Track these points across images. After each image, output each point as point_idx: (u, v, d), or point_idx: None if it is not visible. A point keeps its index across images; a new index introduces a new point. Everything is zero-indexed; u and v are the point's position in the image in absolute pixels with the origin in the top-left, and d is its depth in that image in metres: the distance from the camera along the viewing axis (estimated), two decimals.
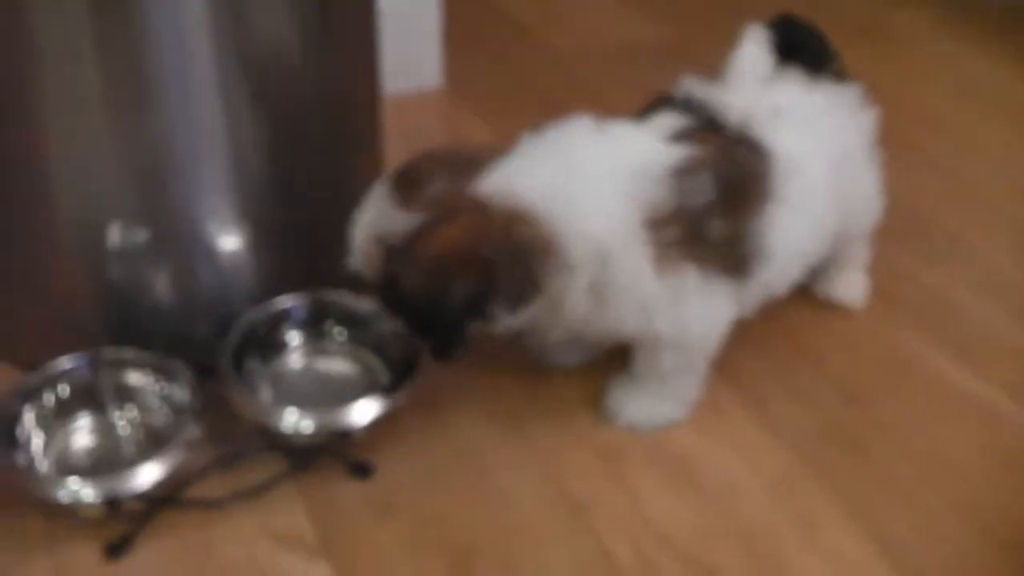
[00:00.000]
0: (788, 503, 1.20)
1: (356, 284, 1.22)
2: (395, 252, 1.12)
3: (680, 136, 1.20)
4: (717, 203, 1.17)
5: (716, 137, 1.21)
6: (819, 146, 1.28)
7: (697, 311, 1.20)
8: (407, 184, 1.14)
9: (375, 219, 1.14)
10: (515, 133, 1.83)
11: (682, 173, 1.16)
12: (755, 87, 1.29)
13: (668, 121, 1.22)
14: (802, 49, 1.32)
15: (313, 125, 1.31)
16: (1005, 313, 1.48)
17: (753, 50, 1.31)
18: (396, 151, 1.48)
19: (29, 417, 1.20)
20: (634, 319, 1.18)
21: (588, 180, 1.14)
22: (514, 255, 1.11)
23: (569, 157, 1.16)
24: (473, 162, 1.15)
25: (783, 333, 1.43)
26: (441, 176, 1.14)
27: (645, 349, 1.25)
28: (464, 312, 1.12)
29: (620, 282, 1.15)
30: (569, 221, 1.12)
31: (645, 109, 1.26)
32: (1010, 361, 1.41)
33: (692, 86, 1.28)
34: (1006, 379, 1.37)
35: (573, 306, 1.16)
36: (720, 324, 1.24)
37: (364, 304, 1.31)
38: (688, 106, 1.24)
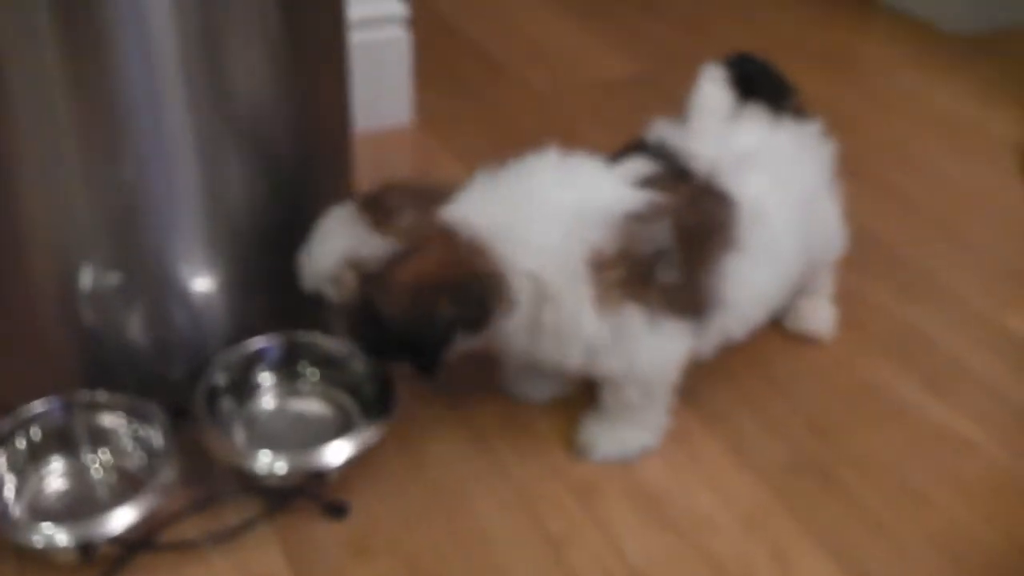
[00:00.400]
0: (761, 536, 1.21)
1: (326, 322, 1.24)
2: (371, 278, 1.15)
3: (647, 182, 1.21)
4: (673, 250, 1.18)
5: (683, 186, 1.22)
6: (785, 192, 1.29)
7: (647, 348, 1.21)
8: (376, 211, 1.17)
9: (348, 244, 1.16)
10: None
11: (636, 218, 1.17)
12: (719, 130, 1.30)
13: (638, 166, 1.23)
14: (759, 84, 1.33)
15: (285, 165, 1.31)
16: (973, 344, 1.50)
17: (711, 89, 1.32)
18: (366, 187, 1.49)
19: (1, 461, 1.19)
20: (578, 355, 1.20)
21: (534, 216, 1.17)
22: (471, 285, 1.14)
23: (522, 193, 1.19)
24: (436, 193, 1.19)
25: (753, 364, 1.44)
26: (408, 205, 1.17)
27: (608, 383, 1.26)
28: (446, 335, 1.16)
29: (559, 319, 1.17)
30: (512, 256, 1.15)
31: (619, 152, 1.27)
32: (979, 392, 1.42)
33: (664, 130, 1.29)
34: (975, 410, 1.38)
35: (513, 339, 1.19)
36: (674, 360, 1.25)
37: (337, 345, 1.32)
38: (659, 153, 1.25)
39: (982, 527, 1.23)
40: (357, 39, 1.42)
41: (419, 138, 1.98)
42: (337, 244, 1.17)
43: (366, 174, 1.51)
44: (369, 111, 1.84)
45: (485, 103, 2.10)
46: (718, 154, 1.25)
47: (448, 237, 1.15)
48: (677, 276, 1.19)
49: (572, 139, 1.94)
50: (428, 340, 1.16)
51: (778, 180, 1.28)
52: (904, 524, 1.23)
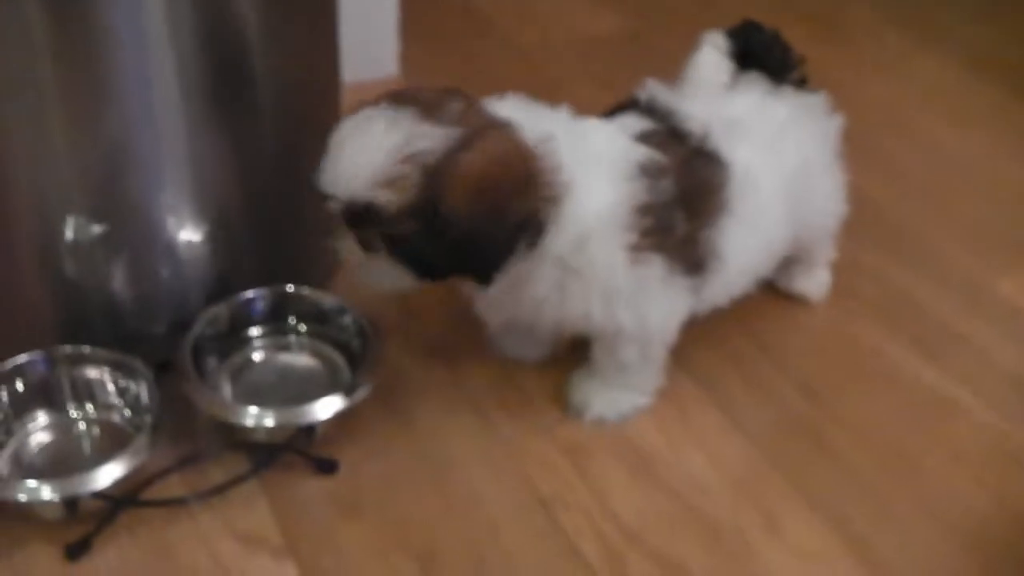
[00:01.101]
0: (752, 497, 1.21)
1: (350, 248, 1.14)
2: (435, 170, 1.03)
3: (643, 139, 1.19)
4: (678, 206, 1.17)
5: (677, 146, 1.20)
6: (775, 161, 1.27)
7: (658, 303, 1.20)
8: (418, 103, 1.07)
9: (399, 138, 1.04)
10: None
11: (650, 171, 1.15)
12: (715, 96, 1.29)
13: (632, 122, 1.21)
14: (764, 56, 1.32)
15: (273, 117, 1.28)
16: (963, 308, 1.50)
17: (712, 57, 1.31)
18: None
19: None
20: (599, 307, 1.17)
21: (590, 157, 1.12)
22: (541, 180, 1.07)
23: (570, 129, 1.14)
24: (461, 96, 1.11)
25: (744, 327, 1.43)
26: (448, 99, 1.09)
27: (604, 343, 1.25)
28: (515, 234, 1.07)
29: (595, 263, 1.13)
30: (574, 186, 1.09)
31: (610, 111, 1.26)
32: (969, 356, 1.42)
33: (655, 90, 1.27)
34: (965, 374, 1.38)
35: (539, 285, 1.14)
36: (677, 317, 1.24)
37: (326, 298, 1.30)
38: (651, 111, 1.23)
39: (972, 491, 1.23)
40: None
41: None
42: (385, 141, 1.04)
43: None
44: (354, 63, 1.81)
45: (471, 59, 2.08)
46: (710, 118, 1.23)
47: (510, 127, 1.08)
48: (686, 228, 1.17)
49: (559, 96, 1.92)
50: (496, 239, 1.06)
51: (769, 148, 1.26)
52: (894, 487, 1.23)
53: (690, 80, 1.31)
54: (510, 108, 1.12)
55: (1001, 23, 2.32)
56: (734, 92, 1.30)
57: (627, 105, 1.27)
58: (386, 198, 1.04)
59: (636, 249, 1.14)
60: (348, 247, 1.12)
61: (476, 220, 1.04)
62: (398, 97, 1.08)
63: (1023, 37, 2.26)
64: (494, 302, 1.19)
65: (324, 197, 1.09)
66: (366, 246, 1.11)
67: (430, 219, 1.05)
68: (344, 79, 1.43)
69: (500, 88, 1.94)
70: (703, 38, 1.31)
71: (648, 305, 1.19)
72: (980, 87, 2.08)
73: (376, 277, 1.13)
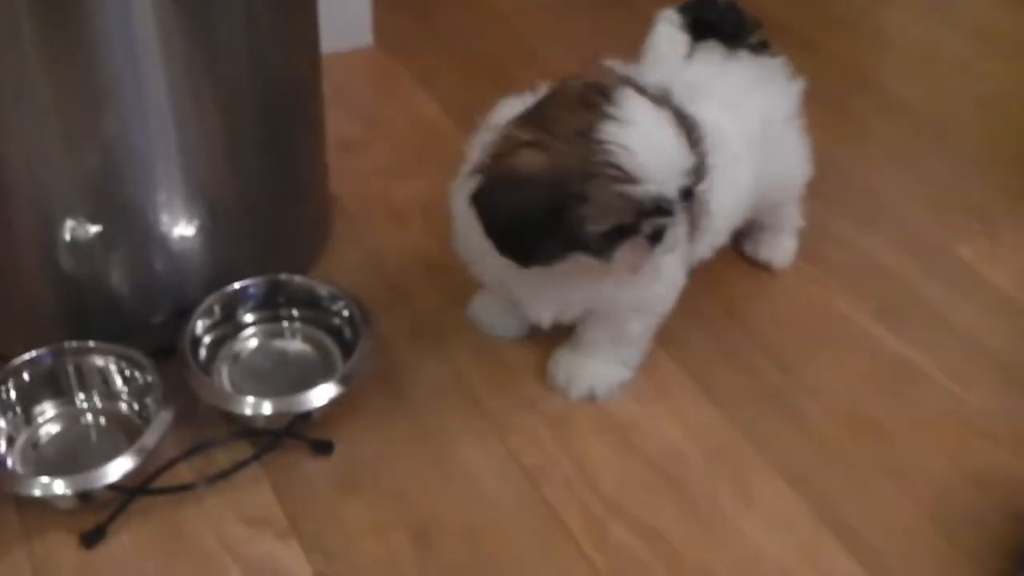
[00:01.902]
0: (725, 466, 1.27)
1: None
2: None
3: None
4: None
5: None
6: (738, 119, 1.31)
7: (668, 274, 1.26)
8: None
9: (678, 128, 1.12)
10: (451, 92, 1.87)
11: None
12: (672, 65, 1.32)
13: None
14: (719, 25, 1.36)
15: (258, 104, 1.32)
16: (926, 273, 1.56)
17: (668, 30, 1.35)
18: (333, 116, 1.52)
19: None
20: (629, 287, 1.22)
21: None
22: None
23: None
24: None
25: (715, 298, 1.49)
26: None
27: (610, 319, 1.30)
28: None
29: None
30: None
31: None
32: (930, 322, 1.48)
33: (612, 66, 1.27)
34: (927, 340, 1.45)
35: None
36: (679, 286, 1.30)
37: (317, 285, 1.36)
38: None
39: (933, 456, 1.30)
40: None
41: (380, 61, 1.99)
42: (671, 130, 1.11)
43: (331, 101, 1.52)
44: (330, 34, 1.83)
45: (445, 24, 2.11)
46: (670, 83, 1.24)
47: None
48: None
49: (533, 60, 1.98)
50: None
51: (730, 107, 1.30)
52: (859, 453, 1.30)
53: (648, 56, 1.35)
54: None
55: None
56: (691, 61, 1.34)
57: None
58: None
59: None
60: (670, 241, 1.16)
61: None
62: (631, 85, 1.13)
63: None
64: (540, 282, 1.23)
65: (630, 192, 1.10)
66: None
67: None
68: (322, 51, 1.46)
69: (475, 54, 2.00)
70: (658, 16, 1.36)
71: (663, 278, 1.25)
72: (947, 43, 2.13)
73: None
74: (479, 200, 1.13)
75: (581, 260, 1.14)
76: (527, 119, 1.13)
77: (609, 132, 1.07)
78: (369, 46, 2.00)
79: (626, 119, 1.08)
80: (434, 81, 1.91)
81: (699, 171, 1.13)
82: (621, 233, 1.12)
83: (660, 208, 1.11)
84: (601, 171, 1.08)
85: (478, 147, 1.18)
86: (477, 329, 1.42)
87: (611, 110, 1.08)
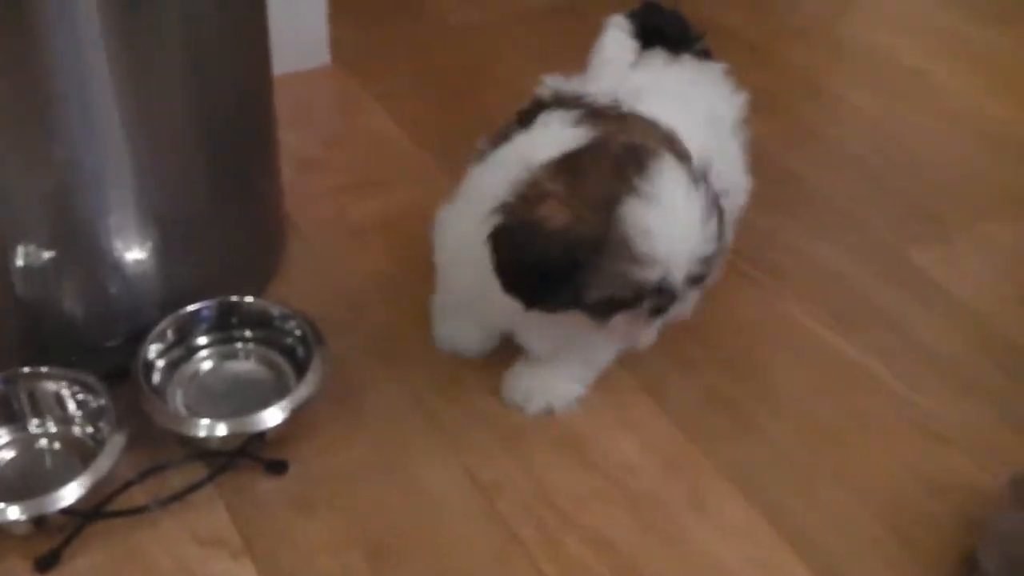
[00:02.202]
0: (681, 478, 1.28)
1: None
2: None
3: (581, 122, 1.19)
4: None
5: (606, 121, 1.19)
6: (687, 116, 1.27)
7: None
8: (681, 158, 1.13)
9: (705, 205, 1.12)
10: (409, 109, 1.88)
11: None
12: (617, 72, 1.34)
13: (558, 117, 1.20)
14: (665, 32, 1.37)
15: (210, 124, 1.32)
16: (880, 279, 1.57)
17: (617, 36, 1.37)
18: (289, 135, 1.52)
19: None
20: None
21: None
22: None
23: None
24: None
25: None
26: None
27: (587, 345, 1.31)
28: None
29: None
30: None
31: (521, 120, 1.26)
32: (885, 328, 1.50)
33: (556, 83, 1.29)
34: (882, 346, 1.46)
35: None
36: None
37: (270, 305, 1.37)
38: (561, 103, 1.24)
39: (888, 462, 1.31)
40: None
41: (338, 79, 1.99)
42: (698, 206, 1.11)
43: (285, 120, 1.52)
44: (288, 55, 1.84)
45: (403, 39, 2.11)
46: (615, 89, 1.25)
47: None
48: None
49: (493, 73, 1.98)
50: None
51: (678, 106, 1.27)
52: (813, 461, 1.31)
53: (596, 63, 1.36)
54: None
55: None
56: (636, 67, 1.36)
57: (533, 108, 1.26)
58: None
59: None
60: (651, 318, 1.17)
61: None
62: (674, 149, 1.13)
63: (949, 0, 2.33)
64: (540, 320, 1.21)
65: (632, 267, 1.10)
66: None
67: None
68: (277, 72, 1.46)
69: (435, 69, 2.00)
70: (606, 22, 1.38)
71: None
72: (904, 52, 2.15)
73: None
74: (497, 239, 1.13)
75: (579, 316, 1.15)
76: (560, 168, 1.12)
77: (633, 210, 1.07)
78: (327, 65, 2.00)
79: (654, 198, 1.07)
80: (392, 98, 1.92)
81: (714, 259, 1.14)
82: (621, 304, 1.13)
83: (664, 290, 1.12)
84: (614, 247, 1.08)
85: (498, 174, 1.17)
86: (432, 346, 1.42)
87: (642, 185, 1.08)
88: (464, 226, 1.19)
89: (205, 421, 1.23)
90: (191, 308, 1.35)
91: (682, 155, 1.13)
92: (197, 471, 1.25)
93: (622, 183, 1.08)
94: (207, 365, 1.36)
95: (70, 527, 1.17)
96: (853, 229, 1.67)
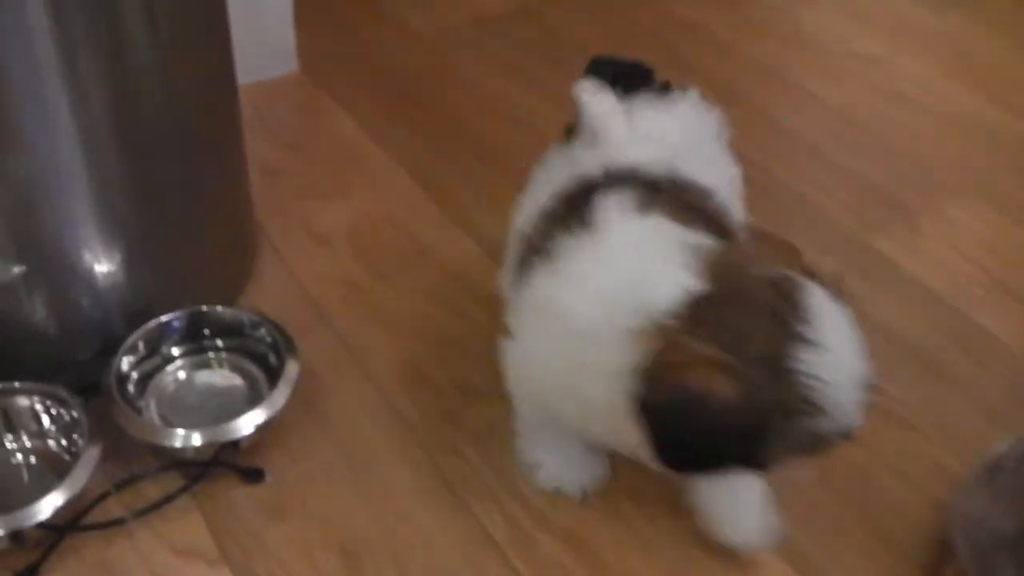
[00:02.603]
0: (649, 472, 1.28)
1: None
2: None
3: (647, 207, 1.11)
4: None
5: (663, 194, 1.13)
6: (718, 164, 1.29)
7: None
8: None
9: None
10: (375, 116, 1.89)
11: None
12: (623, 133, 1.22)
13: (620, 203, 1.11)
14: (629, 80, 1.29)
15: (174, 135, 1.33)
16: (844, 267, 1.53)
17: (594, 99, 1.24)
18: (257, 144, 1.53)
19: None
20: None
21: None
22: None
23: None
24: None
25: None
26: None
27: None
28: None
29: None
30: None
31: (575, 193, 1.16)
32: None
33: (591, 161, 1.19)
34: None
35: None
36: None
37: (240, 313, 1.38)
38: (616, 180, 1.15)
39: (853, 449, 1.25)
40: None
41: (304, 87, 1.99)
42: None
43: (252, 130, 1.53)
44: (254, 64, 1.85)
45: (366, 47, 2.12)
46: (648, 155, 1.18)
47: None
48: None
49: (456, 80, 2.00)
50: None
51: (707, 157, 1.27)
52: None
53: (587, 131, 1.24)
54: None
55: None
56: (636, 121, 1.24)
57: (587, 187, 1.16)
58: None
59: None
60: None
61: None
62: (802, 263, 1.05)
63: None
64: None
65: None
66: None
67: None
68: (244, 81, 1.47)
69: (398, 78, 2.01)
70: (575, 91, 1.26)
71: None
72: (862, 41, 2.17)
73: None
74: (649, 415, 0.99)
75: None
76: (700, 321, 0.97)
77: (805, 361, 0.95)
78: (293, 72, 2.00)
79: (821, 342, 0.96)
80: (358, 105, 1.93)
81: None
82: (799, 454, 1.03)
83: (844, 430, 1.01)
84: (792, 407, 0.96)
85: (585, 296, 1.05)
86: (399, 348, 1.44)
87: (804, 330, 0.96)
88: (557, 362, 1.09)
89: (179, 431, 1.24)
90: (162, 319, 1.36)
91: (810, 271, 1.03)
92: (172, 481, 1.26)
93: (783, 333, 0.96)
94: (180, 376, 1.37)
95: (47, 541, 1.18)
96: (816, 216, 1.69)
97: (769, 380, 0.95)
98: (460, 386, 1.40)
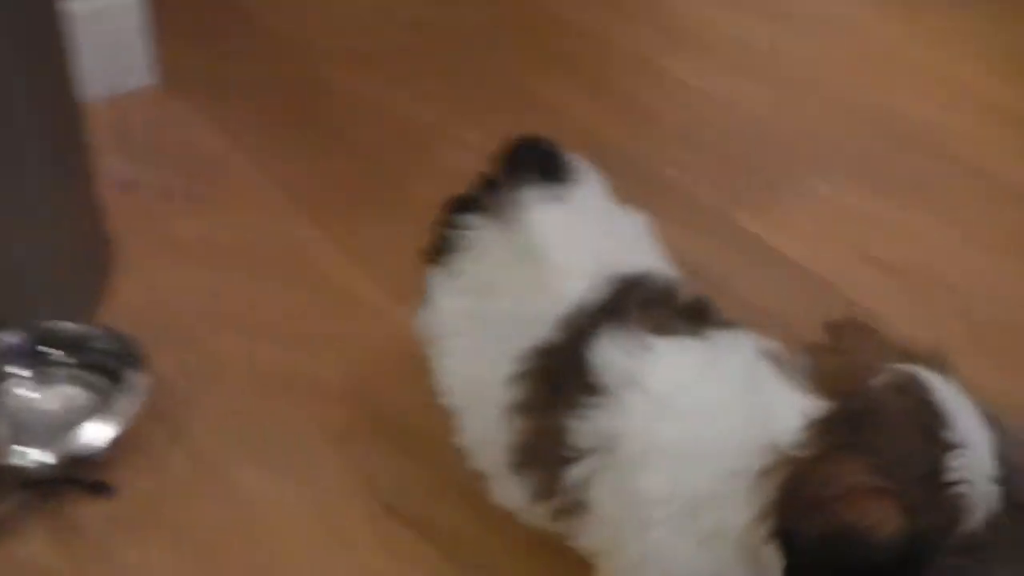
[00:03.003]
0: None
1: None
2: None
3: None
4: None
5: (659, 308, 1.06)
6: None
7: None
8: None
9: None
10: (240, 125, 1.86)
11: None
12: (576, 232, 1.13)
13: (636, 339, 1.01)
14: (548, 167, 1.17)
15: (7, 152, 1.32)
16: (716, 247, 1.59)
17: (537, 200, 1.13)
18: (111, 156, 1.50)
19: None
20: None
21: None
22: None
23: None
24: None
25: None
26: None
27: None
28: None
29: None
30: None
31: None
32: (715, 295, 1.48)
33: (598, 285, 1.07)
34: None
35: None
36: None
37: (84, 328, 1.36)
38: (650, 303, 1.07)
39: None
40: (78, 7, 1.39)
41: (162, 100, 1.94)
42: None
43: (108, 145, 1.50)
44: (108, 77, 1.82)
45: (233, 56, 2.07)
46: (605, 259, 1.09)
47: None
48: None
49: (330, 88, 1.97)
50: None
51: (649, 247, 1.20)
52: None
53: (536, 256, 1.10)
54: None
55: None
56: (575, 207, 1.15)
57: (608, 306, 1.05)
58: None
59: None
60: None
61: None
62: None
63: None
64: None
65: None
66: None
67: None
68: (97, 95, 1.45)
69: (270, 89, 1.98)
70: (520, 203, 1.13)
71: None
72: (726, 21, 2.18)
73: None
74: (795, 545, 0.88)
75: None
76: (843, 446, 0.88)
77: (957, 469, 0.86)
78: (152, 85, 1.95)
79: (965, 444, 0.87)
80: (222, 115, 1.89)
81: None
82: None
83: None
84: (956, 520, 0.87)
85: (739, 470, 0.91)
86: (256, 359, 1.42)
87: (951, 436, 0.87)
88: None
89: (19, 448, 1.21)
90: (3, 336, 1.33)
91: (910, 354, 0.94)
92: (20, 500, 1.22)
93: (935, 445, 0.87)
94: (23, 393, 1.34)
95: None
96: (688, 203, 1.69)
97: (931, 499, 0.86)
98: (312, 379, 1.38)
